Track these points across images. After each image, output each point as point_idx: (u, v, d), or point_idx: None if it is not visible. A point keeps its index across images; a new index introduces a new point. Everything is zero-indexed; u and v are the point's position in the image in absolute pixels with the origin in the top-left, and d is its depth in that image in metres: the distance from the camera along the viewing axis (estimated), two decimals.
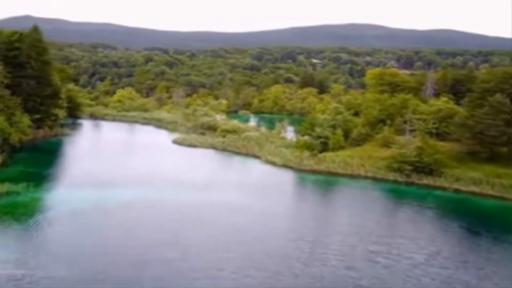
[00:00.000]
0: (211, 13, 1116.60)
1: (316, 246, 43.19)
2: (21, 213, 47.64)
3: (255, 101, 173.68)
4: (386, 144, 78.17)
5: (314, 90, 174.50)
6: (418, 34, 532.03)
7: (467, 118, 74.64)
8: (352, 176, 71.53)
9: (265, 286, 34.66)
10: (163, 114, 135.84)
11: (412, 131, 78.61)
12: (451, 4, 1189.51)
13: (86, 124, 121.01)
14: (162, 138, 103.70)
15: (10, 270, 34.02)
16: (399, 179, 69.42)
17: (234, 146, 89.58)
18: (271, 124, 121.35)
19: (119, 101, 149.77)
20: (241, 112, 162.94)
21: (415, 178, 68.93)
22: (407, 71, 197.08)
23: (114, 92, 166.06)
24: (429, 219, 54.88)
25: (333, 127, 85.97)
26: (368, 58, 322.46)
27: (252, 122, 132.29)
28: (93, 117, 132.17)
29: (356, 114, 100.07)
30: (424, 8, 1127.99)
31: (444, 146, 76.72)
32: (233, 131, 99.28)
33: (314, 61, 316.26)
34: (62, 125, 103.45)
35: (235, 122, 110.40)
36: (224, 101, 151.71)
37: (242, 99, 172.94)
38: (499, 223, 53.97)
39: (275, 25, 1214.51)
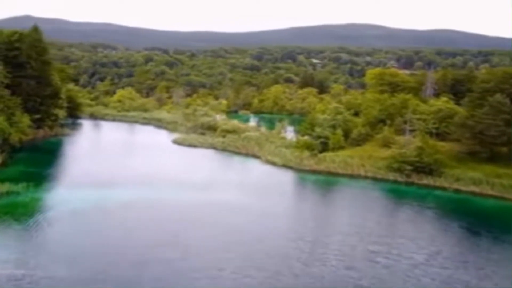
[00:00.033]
0: (211, 13, 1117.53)
1: (316, 246, 43.18)
2: (21, 213, 47.62)
3: (255, 101, 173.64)
4: (386, 144, 78.16)
5: (314, 90, 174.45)
6: (418, 34, 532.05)
7: (467, 118, 74.63)
8: (352, 176, 71.51)
9: (265, 286, 34.65)
10: (163, 114, 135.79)
11: (412, 131, 78.60)
12: (451, 4, 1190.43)
13: (86, 124, 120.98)
14: (162, 138, 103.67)
15: (10, 270, 34.02)
16: (399, 179, 69.40)
17: (234, 146, 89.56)
18: (271, 124, 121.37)
19: (119, 101, 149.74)
20: (241, 112, 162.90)
21: (415, 178, 68.92)
22: (407, 71, 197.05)
23: (114, 92, 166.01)
24: (429, 219, 54.87)
25: (333, 127, 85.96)
26: (368, 58, 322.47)
27: (252, 122, 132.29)
28: (93, 117, 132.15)
29: (356, 114, 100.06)
30: (424, 8, 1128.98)
31: (444, 146, 76.71)
32: (233, 131, 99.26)
33: (314, 61, 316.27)
34: (62, 125, 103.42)
35: (235, 122, 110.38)
36: (224, 101, 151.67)
37: (242, 99, 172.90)
38: (499, 223, 53.96)
39: (275, 25, 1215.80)
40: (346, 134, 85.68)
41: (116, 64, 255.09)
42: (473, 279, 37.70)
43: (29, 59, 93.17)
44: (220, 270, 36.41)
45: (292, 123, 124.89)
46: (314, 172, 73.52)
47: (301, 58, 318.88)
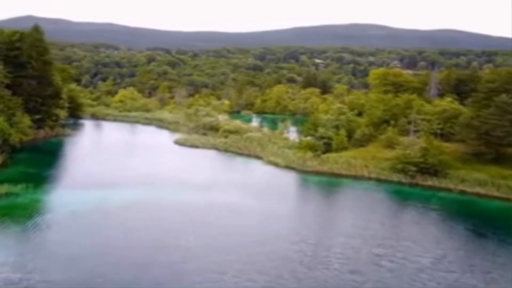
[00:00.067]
0: (213, 13, 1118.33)
1: (319, 249, 42.47)
2: (19, 214, 47.00)
3: (258, 101, 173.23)
4: (390, 145, 77.37)
5: (317, 90, 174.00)
6: (421, 34, 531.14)
7: (472, 119, 73.78)
8: (355, 177, 70.81)
9: None
10: (165, 114, 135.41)
11: (416, 131, 77.79)
12: (454, 4, 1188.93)
13: (88, 124, 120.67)
14: (163, 138, 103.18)
15: (7, 273, 33.35)
16: (403, 180, 68.63)
17: (236, 147, 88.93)
18: (273, 125, 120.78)
19: (121, 101, 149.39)
20: (244, 112, 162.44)
21: (419, 179, 68.16)
22: (410, 71, 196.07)
23: (116, 92, 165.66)
24: (434, 221, 54.09)
25: (336, 127, 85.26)
26: (371, 58, 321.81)
27: (255, 123, 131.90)
28: (95, 117, 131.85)
29: (360, 114, 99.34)
30: (427, 8, 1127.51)
31: (449, 147, 75.90)
32: (235, 132, 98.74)
33: (317, 61, 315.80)
34: (63, 125, 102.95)
35: (237, 123, 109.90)
36: (226, 101, 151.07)
37: (244, 99, 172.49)
38: (505, 225, 53.05)
39: (277, 25, 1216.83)
40: (350, 135, 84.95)
41: (118, 64, 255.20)
42: (480, 283, 36.95)
43: (30, 59, 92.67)
44: (221, 273, 35.72)
45: (295, 123, 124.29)
46: (317, 173, 72.79)
47: (304, 58, 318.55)
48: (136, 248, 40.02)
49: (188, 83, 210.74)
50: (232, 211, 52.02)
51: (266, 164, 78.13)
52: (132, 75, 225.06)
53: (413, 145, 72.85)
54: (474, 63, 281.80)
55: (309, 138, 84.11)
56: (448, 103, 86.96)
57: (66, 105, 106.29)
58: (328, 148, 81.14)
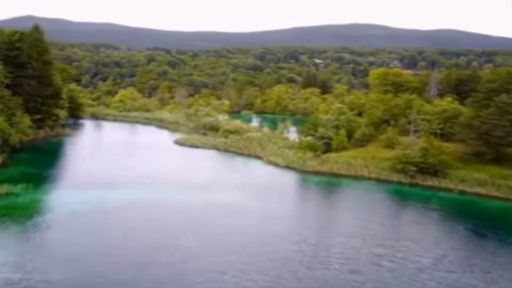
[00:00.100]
0: (213, 13, 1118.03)
1: (319, 249, 42.45)
2: (19, 214, 46.98)
3: (258, 101, 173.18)
4: (390, 145, 77.34)
5: (317, 90, 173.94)
6: (421, 34, 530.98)
7: (472, 119, 73.75)
8: (355, 177, 70.78)
9: None
10: (165, 114, 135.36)
11: (416, 131, 77.75)
12: (454, 4, 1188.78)
13: (88, 124, 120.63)
14: (163, 138, 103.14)
15: (6, 273, 33.33)
16: (403, 180, 68.60)
17: (236, 147, 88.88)
18: (273, 125, 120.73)
19: (121, 101, 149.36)
20: (244, 112, 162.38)
21: (419, 179, 68.14)
22: (410, 71, 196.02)
23: (116, 92, 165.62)
24: (434, 221, 54.06)
25: (336, 127, 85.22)
26: (371, 58, 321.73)
27: (255, 123, 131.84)
28: (95, 117, 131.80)
29: (360, 114, 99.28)
30: (427, 8, 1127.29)
31: (449, 147, 75.87)
32: (235, 132, 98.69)
33: (317, 61, 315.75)
34: (63, 125, 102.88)
35: (237, 123, 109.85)
36: (226, 101, 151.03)
37: (244, 99, 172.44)
38: (504, 225, 53.01)
39: (277, 25, 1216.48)
40: (350, 135, 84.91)
41: (118, 64, 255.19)
42: (480, 283, 36.93)
43: (30, 59, 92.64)
44: (221, 274, 35.70)
45: (295, 123, 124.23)
46: (317, 173, 72.76)
47: (304, 58, 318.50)
48: (136, 248, 39.99)
49: (188, 83, 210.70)
50: (232, 211, 51.99)
51: (266, 164, 78.10)
52: (132, 75, 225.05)
53: (413, 145, 72.81)
54: (474, 63, 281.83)
55: (309, 138, 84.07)
56: (448, 103, 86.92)
57: (66, 105, 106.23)
58: (328, 148, 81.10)
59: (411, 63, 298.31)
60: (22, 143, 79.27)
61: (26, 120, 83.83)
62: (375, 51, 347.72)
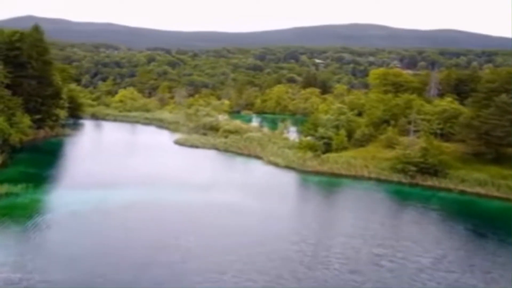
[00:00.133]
0: (213, 13, 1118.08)
1: (319, 249, 42.44)
2: (19, 214, 46.97)
3: (258, 101, 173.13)
4: (390, 145, 77.31)
5: (317, 90, 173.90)
6: (421, 34, 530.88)
7: (472, 119, 73.72)
8: (355, 177, 70.76)
9: None
10: (165, 114, 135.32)
11: (416, 131, 77.74)
12: (454, 4, 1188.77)
13: (88, 124, 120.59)
14: (163, 138, 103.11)
15: (6, 273, 33.32)
16: (403, 180, 68.57)
17: (236, 147, 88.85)
18: (273, 125, 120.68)
19: (121, 101, 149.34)
20: (244, 112, 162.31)
21: (419, 179, 68.11)
22: (410, 71, 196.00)
23: (116, 92, 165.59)
24: (434, 221, 54.04)
25: (336, 127, 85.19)
26: (371, 58, 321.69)
27: (255, 123, 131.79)
28: (95, 117, 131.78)
29: (360, 114, 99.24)
30: (427, 8, 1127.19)
31: (449, 147, 75.84)
32: (235, 132, 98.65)
33: (317, 61, 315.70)
34: (63, 125, 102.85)
35: (237, 123, 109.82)
36: (226, 101, 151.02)
37: (244, 99, 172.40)
38: (504, 225, 52.99)
39: (278, 25, 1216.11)
40: (350, 135, 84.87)
41: (118, 64, 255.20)
42: (480, 283, 36.93)
43: (30, 59, 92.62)
44: (221, 274, 35.69)
45: (295, 123, 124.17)
46: (317, 173, 72.74)
47: (304, 58, 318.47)
48: (136, 248, 39.98)
49: (188, 83, 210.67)
50: (232, 211, 51.97)
51: (266, 164, 78.07)
52: (132, 75, 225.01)
53: (413, 145, 72.79)
54: (474, 63, 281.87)
55: (309, 138, 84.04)
56: (448, 103, 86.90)
57: (66, 105, 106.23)
58: (328, 148, 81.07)
59: (411, 63, 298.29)
60: (22, 143, 79.25)
61: (26, 120, 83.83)
62: (375, 51, 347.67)
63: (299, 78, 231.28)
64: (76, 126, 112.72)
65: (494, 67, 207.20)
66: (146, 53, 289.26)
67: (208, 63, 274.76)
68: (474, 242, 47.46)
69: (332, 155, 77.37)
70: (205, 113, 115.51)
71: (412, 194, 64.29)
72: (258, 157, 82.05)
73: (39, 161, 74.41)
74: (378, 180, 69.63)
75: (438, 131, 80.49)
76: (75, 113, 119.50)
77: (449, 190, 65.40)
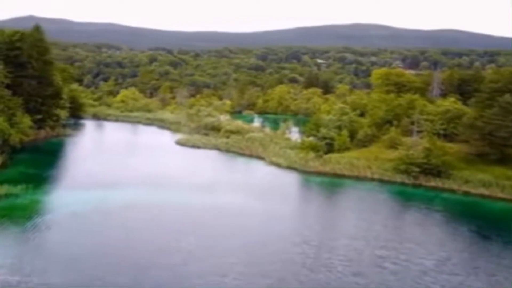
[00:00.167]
0: (215, 13, 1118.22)
1: (321, 250, 41.96)
2: (19, 215, 46.62)
3: (260, 101, 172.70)
4: (393, 145, 76.80)
5: (319, 90, 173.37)
6: (423, 34, 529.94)
7: (475, 119, 73.18)
8: (358, 178, 70.27)
9: None
10: (166, 114, 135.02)
11: (419, 132, 77.26)
12: (456, 4, 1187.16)
13: (89, 125, 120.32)
14: (165, 138, 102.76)
15: (4, 276, 32.87)
16: (406, 181, 68.08)
17: (238, 147, 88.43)
18: (275, 125, 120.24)
19: (122, 101, 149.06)
20: (245, 113, 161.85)
21: (422, 180, 67.61)
22: (412, 71, 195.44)
23: (118, 92, 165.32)
24: (437, 222, 53.59)
25: (339, 128, 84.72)
26: (373, 58, 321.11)
27: (256, 123, 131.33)
28: (96, 117, 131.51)
29: (362, 114, 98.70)
30: (430, 8, 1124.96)
31: (452, 147, 75.30)
32: (237, 132, 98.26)
33: (319, 61, 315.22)
34: (64, 126, 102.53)
35: (239, 123, 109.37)
36: (228, 102, 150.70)
37: (246, 99, 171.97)
38: (509, 227, 52.43)
39: (280, 25, 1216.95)
40: (352, 135, 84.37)
41: (120, 64, 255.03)
42: (484, 286, 36.46)
43: (30, 59, 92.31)
44: (223, 276, 35.25)
45: (297, 123, 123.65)
46: (319, 173, 72.28)
47: (306, 58, 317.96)
48: (137, 249, 39.59)
49: (190, 83, 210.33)
50: (233, 212, 51.55)
51: (268, 164, 77.63)
52: (134, 75, 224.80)
53: (416, 145, 72.29)
54: (477, 63, 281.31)
55: (311, 138, 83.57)
56: (451, 103, 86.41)
57: (67, 105, 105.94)
58: (330, 148, 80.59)
59: (413, 63, 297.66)
60: (23, 143, 78.87)
61: (27, 120, 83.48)
62: (377, 51, 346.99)
63: (301, 78, 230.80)
64: (77, 126, 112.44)
65: (497, 67, 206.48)
66: (148, 53, 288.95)
67: (210, 63, 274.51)
68: (478, 244, 46.91)
69: (334, 156, 76.89)
70: (206, 113, 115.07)
71: (415, 195, 63.77)
72: (260, 158, 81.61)
73: (39, 162, 74.06)
74: (381, 181, 69.13)
75: (441, 132, 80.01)
76: (77, 113, 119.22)
77: (452, 191, 64.90)
